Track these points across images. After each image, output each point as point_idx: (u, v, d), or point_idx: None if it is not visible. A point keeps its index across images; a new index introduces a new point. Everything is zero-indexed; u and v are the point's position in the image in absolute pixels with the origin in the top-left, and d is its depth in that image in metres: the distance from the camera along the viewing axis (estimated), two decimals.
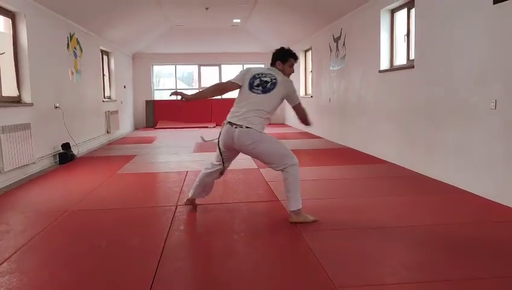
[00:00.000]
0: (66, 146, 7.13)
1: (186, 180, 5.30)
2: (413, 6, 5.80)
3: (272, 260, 2.87)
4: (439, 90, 5.07)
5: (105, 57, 11.13)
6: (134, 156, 7.59)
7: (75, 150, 7.47)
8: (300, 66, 12.46)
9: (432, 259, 2.80)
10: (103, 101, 10.35)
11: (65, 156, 6.95)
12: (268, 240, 3.22)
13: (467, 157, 4.55)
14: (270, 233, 3.37)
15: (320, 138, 9.98)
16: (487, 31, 4.20)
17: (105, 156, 7.71)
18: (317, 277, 2.52)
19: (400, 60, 6.54)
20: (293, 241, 3.15)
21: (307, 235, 3.23)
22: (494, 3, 4.08)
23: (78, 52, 8.43)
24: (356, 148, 7.85)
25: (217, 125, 14.33)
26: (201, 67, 15.14)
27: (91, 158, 7.55)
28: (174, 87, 15.19)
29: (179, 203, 4.21)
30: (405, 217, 3.70)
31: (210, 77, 15.50)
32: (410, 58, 6.07)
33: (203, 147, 8.71)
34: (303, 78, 12.45)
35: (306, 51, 12.09)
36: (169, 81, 15.50)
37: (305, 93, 12.23)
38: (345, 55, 8.38)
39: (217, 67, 15.08)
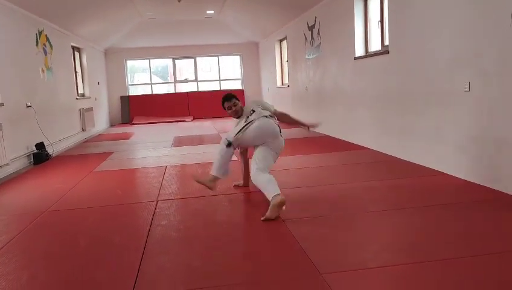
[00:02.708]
0: (40, 146, 6.96)
1: (166, 175, 5.24)
2: None
3: (255, 251, 2.86)
4: (414, 75, 5.13)
5: (77, 54, 10.88)
6: (111, 153, 7.46)
7: (49, 150, 7.30)
8: (276, 56, 12.44)
9: (414, 241, 2.84)
10: (77, 98, 10.13)
11: (40, 156, 6.78)
12: (251, 230, 3.21)
13: (443, 139, 4.62)
14: (252, 223, 3.35)
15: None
16: (458, 14, 4.25)
17: (82, 155, 7.56)
18: (302, 264, 2.52)
19: (375, 46, 6.58)
20: (276, 230, 3.15)
21: (290, 223, 3.22)
22: None
23: (48, 49, 8.21)
24: (334, 136, 7.90)
25: (194, 118, 14.23)
26: (176, 61, 14.96)
27: (67, 157, 7.39)
28: (149, 82, 14.97)
29: (159, 198, 4.15)
30: (385, 201, 3.74)
31: (185, 70, 15.35)
32: (385, 44, 6.11)
33: (182, 141, 8.63)
34: (279, 68, 12.43)
35: (281, 41, 12.07)
36: (144, 76, 15.25)
37: (282, 83, 12.23)
38: (320, 43, 8.39)
39: (192, 60, 14.92)
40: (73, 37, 10.00)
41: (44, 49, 8.00)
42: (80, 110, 10.15)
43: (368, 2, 6.65)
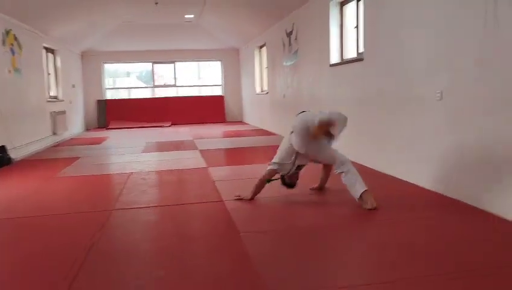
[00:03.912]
0: (1, 149, 6.64)
1: (128, 183, 4.98)
2: None
3: (204, 267, 2.63)
4: (387, 83, 4.99)
5: (50, 55, 10.56)
6: (79, 158, 7.17)
7: (13, 154, 6.97)
8: (255, 62, 12.29)
9: (376, 259, 2.66)
10: (48, 101, 9.80)
11: (0, 160, 6.47)
12: (205, 245, 2.98)
13: (414, 149, 4.47)
14: (207, 237, 3.13)
15: (276, 134, 9.82)
16: (432, 21, 4.12)
17: (48, 159, 7.25)
18: (251, 283, 2.32)
19: (351, 53, 6.44)
20: (231, 245, 2.93)
21: (246, 237, 3.02)
22: None
23: (16, 49, 7.90)
24: None
25: (172, 124, 13.97)
26: (155, 65, 14.69)
27: (31, 161, 7.08)
28: (128, 86, 14.68)
29: (114, 207, 3.91)
30: (350, 216, 3.56)
31: (166, 74, 15.10)
32: (360, 51, 5.98)
33: (153, 147, 8.38)
34: (258, 75, 12.27)
35: (261, 47, 11.92)
36: (128, 80, 14.90)
37: (261, 90, 12.07)
38: (297, 49, 8.24)
39: (172, 65, 14.67)
40: (45, 38, 9.69)
41: (11, 49, 7.69)
42: (51, 113, 9.81)
43: (344, 8, 6.52)
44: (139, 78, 15.19)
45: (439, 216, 3.41)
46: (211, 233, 3.17)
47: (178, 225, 3.40)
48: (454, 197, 3.82)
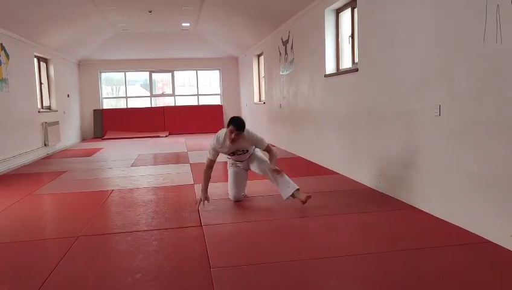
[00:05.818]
0: None
1: (106, 202, 4.67)
2: (356, 5, 5.37)
3: None
4: (382, 96, 4.65)
5: (43, 64, 10.33)
6: (65, 172, 6.87)
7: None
8: (253, 72, 11.99)
9: None
10: (39, 111, 9.54)
11: None
12: (169, 282, 2.64)
13: (412, 168, 4.12)
14: (174, 271, 2.79)
15: (273, 145, 9.49)
16: (428, 29, 3.79)
17: (31, 173, 6.95)
18: None
19: (346, 63, 6.12)
20: (198, 282, 2.60)
21: (217, 273, 2.68)
22: None
23: (3, 58, 7.66)
24: (306, 158, 7.39)
25: (170, 134, 13.68)
26: (153, 74, 14.44)
27: (15, 175, 6.78)
28: (125, 95, 14.43)
29: (82, 233, 3.58)
30: (341, 244, 3.21)
31: (164, 84, 14.84)
32: (355, 61, 5.65)
33: (144, 160, 8.07)
34: (257, 84, 11.97)
35: (259, 56, 11.63)
36: (131, 88, 14.62)
37: (259, 100, 11.76)
38: (293, 59, 7.93)
39: (170, 74, 14.41)
40: (37, 47, 9.45)
41: None
42: (42, 124, 9.56)
43: (340, 15, 6.20)
44: (143, 86, 14.90)
45: (441, 245, 3.06)
46: (179, 269, 2.83)
47: (146, 257, 3.05)
48: (453, 222, 3.47)
